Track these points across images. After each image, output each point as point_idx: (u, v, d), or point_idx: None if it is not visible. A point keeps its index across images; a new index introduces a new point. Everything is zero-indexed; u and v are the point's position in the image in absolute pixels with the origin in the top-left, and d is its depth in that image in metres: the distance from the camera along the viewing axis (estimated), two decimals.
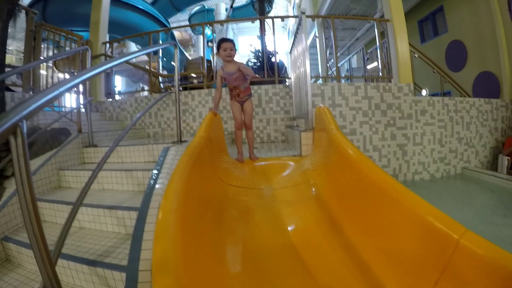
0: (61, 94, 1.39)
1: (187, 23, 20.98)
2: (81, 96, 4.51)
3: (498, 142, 6.16)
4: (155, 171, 2.62)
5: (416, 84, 6.64)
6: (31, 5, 10.69)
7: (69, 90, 1.46)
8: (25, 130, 1.03)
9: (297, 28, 4.04)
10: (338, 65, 6.16)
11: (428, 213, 1.29)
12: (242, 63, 3.33)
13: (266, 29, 7.82)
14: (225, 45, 3.17)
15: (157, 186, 2.40)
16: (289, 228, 2.10)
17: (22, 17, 4.19)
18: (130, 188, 3.13)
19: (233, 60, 3.24)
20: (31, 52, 5.03)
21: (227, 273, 1.63)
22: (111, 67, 1.96)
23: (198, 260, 1.42)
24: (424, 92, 8.08)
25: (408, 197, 1.42)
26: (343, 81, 6.16)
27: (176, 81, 3.59)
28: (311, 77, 3.54)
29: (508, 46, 7.23)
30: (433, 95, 6.68)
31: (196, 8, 20.21)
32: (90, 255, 2.22)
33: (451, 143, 5.67)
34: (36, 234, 1.08)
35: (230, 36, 19.08)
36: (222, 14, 17.64)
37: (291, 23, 19.14)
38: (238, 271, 1.68)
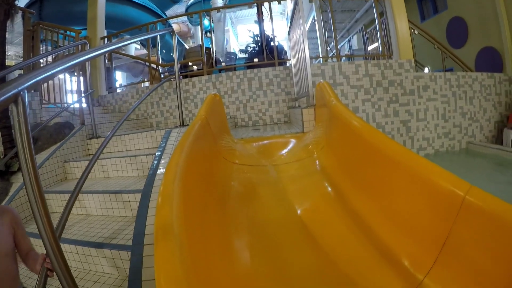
0: (60, 72, 1.42)
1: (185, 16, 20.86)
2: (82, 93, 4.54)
3: (503, 116, 6.11)
4: (158, 153, 2.64)
5: (418, 62, 6.59)
6: (27, 6, 10.70)
7: (68, 69, 1.48)
8: (26, 100, 1.06)
9: (294, 8, 4.01)
10: (338, 47, 6.12)
11: (432, 172, 1.29)
12: None
13: (263, 14, 7.78)
14: None
15: (160, 166, 2.42)
16: (295, 201, 2.09)
17: (19, 22, 4.21)
18: (135, 173, 3.17)
19: None
20: (30, 51, 5.04)
21: (232, 243, 1.65)
22: (111, 50, 1.97)
23: (202, 229, 1.43)
24: (426, 70, 8.01)
25: (412, 158, 1.42)
26: (343, 60, 6.11)
27: (176, 64, 3.61)
28: (311, 58, 3.52)
29: (509, 20, 7.17)
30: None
31: None
32: (97, 238, 2.27)
33: (455, 118, 5.63)
34: (38, 202, 1.12)
35: (228, 25, 18.82)
36: (220, 4, 17.47)
37: (289, 8, 18.93)
38: (244, 243, 1.70)
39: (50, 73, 1.31)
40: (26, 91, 1.07)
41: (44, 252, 1.22)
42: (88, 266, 2.24)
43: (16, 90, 1.03)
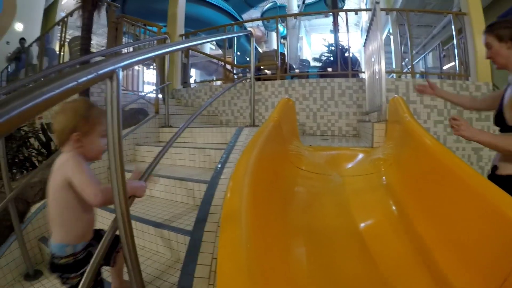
0: (149, 58, 1.52)
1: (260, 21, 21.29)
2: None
3: None
4: (228, 148, 2.72)
5: (496, 86, 6.16)
6: (112, 1, 11.51)
7: (156, 56, 1.58)
8: (120, 77, 1.14)
9: (371, 20, 3.95)
10: (413, 63, 5.90)
11: (506, 203, 1.19)
12: None
13: (339, 24, 7.73)
14: None
15: (229, 161, 2.48)
16: (356, 214, 2.03)
17: (102, 14, 4.59)
18: (202, 165, 3.27)
19: None
20: (114, 41, 5.42)
21: (290, 245, 1.64)
22: (199, 44, 2.08)
23: (264, 226, 1.44)
24: None
25: (485, 186, 1.32)
26: (417, 76, 5.86)
27: (252, 66, 3.72)
28: (386, 72, 3.43)
29: None
30: None
31: (268, 5, 20.43)
32: (157, 219, 2.37)
33: None
34: (118, 171, 1.20)
35: (301, 33, 18.98)
36: (295, 11, 17.60)
37: (364, 19, 18.63)
38: (301, 246, 1.69)
39: (142, 57, 1.42)
40: (120, 69, 1.16)
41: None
42: (144, 243, 2.35)
43: (113, 67, 1.12)
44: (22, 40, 9.88)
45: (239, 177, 1.40)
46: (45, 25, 11.57)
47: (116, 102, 1.13)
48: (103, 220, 2.58)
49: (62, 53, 6.46)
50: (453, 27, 5.72)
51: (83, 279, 1.14)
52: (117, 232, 1.27)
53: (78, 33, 4.30)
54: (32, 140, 4.16)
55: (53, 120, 1.41)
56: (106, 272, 1.79)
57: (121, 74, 1.15)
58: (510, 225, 1.12)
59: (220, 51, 14.98)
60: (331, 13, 7.50)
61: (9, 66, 9.81)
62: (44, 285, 2.29)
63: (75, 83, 0.86)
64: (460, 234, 1.40)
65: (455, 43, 5.78)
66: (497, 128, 1.95)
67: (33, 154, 4.00)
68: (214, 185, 2.19)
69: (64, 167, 1.35)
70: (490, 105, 2.12)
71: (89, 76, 0.95)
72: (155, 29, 5.94)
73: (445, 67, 8.01)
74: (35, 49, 8.56)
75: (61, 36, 6.52)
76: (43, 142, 3.92)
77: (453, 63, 6.75)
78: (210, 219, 1.89)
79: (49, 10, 12.33)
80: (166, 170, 3.13)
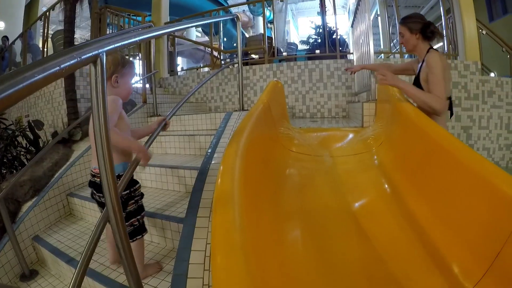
0: (134, 42, 1.45)
1: (246, 6, 21.02)
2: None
3: None
4: (217, 133, 2.70)
5: (484, 66, 6.16)
6: None
7: (142, 40, 1.54)
8: (104, 62, 1.10)
9: (359, 1, 3.92)
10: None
11: (497, 177, 1.20)
12: None
13: (326, 6, 7.68)
14: None
15: (219, 145, 2.46)
16: (349, 194, 2.04)
17: (85, 7, 4.49)
18: (192, 152, 3.25)
19: None
20: (98, 33, 5.36)
21: (283, 227, 1.65)
22: (183, 29, 2.04)
23: (256, 207, 1.45)
24: (492, 75, 7.53)
25: (478, 161, 1.33)
26: (406, 56, 5.84)
27: (239, 50, 3.69)
28: (374, 53, 3.42)
29: None
30: None
31: None
32: (150, 208, 2.35)
33: None
34: (105, 156, 1.15)
35: (288, 17, 18.78)
36: None
37: (351, 1, 18.53)
38: (294, 228, 1.70)
39: (127, 41, 1.36)
40: (105, 54, 1.11)
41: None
42: None
43: (97, 52, 1.06)
44: (4, 38, 9.63)
45: (229, 161, 1.39)
46: (27, 21, 11.31)
47: (101, 88, 1.09)
48: (96, 214, 2.59)
49: (45, 49, 6.35)
50: (441, 7, 5.71)
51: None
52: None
53: (60, 27, 4.22)
54: (20, 139, 4.10)
55: None
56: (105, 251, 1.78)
57: (105, 59, 1.11)
58: (502, 200, 1.13)
59: (206, 38, 14.83)
60: None
61: None
62: (40, 284, 2.28)
63: (58, 68, 0.83)
64: (453, 211, 1.41)
65: (443, 23, 5.78)
66: None
67: (22, 153, 3.94)
68: (205, 171, 2.17)
69: None
70: (404, 73, 2.84)
71: (72, 61, 0.90)
72: (139, 18, 5.85)
73: (434, 47, 8.00)
74: (18, 47, 8.37)
75: (43, 31, 6.40)
76: (31, 140, 3.86)
77: (441, 43, 6.75)
78: (203, 204, 1.87)
79: (31, 6, 12.05)
80: (157, 159, 3.11)
